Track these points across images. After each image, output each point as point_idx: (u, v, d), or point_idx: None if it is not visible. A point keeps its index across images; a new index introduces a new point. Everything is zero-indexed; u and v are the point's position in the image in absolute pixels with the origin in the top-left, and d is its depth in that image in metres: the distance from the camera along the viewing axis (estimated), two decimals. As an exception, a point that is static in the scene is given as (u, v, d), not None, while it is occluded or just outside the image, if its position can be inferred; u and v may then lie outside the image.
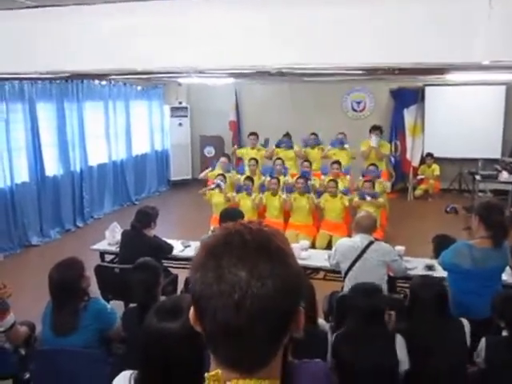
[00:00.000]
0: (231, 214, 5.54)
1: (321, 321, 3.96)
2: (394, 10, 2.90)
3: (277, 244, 1.07)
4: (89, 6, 3.58)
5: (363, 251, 4.90)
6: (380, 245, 5.06)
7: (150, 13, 3.41)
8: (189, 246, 6.19)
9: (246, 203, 8.42)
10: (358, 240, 4.99)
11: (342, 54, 3.02)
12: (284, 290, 1.02)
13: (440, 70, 2.97)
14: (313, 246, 7.54)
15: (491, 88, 11.81)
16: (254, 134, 10.35)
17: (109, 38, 3.59)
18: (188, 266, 3.82)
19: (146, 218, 5.84)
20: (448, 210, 10.68)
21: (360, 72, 3.41)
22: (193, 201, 10.60)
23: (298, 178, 8.56)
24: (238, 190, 8.62)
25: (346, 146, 9.78)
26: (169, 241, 6.08)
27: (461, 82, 11.77)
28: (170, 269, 6.07)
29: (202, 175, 9.70)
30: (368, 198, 8.09)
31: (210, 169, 9.53)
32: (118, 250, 6.01)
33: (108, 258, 6.33)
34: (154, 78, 11.41)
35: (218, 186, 8.42)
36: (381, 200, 8.36)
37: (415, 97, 12.50)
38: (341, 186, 8.60)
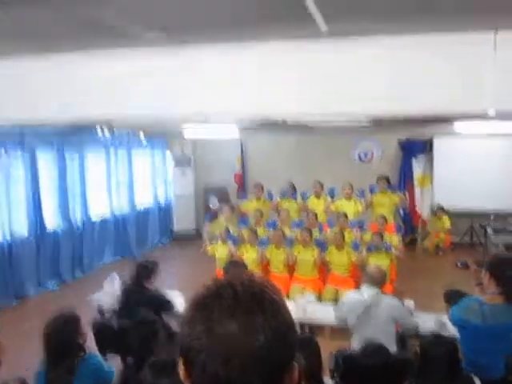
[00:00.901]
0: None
1: (326, 379, 3.74)
2: (403, 59, 2.96)
3: (269, 296, 1.06)
4: (91, 53, 3.60)
5: (370, 305, 4.66)
6: (388, 298, 4.85)
7: (160, 58, 3.47)
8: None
9: (250, 256, 8.10)
10: (366, 293, 4.76)
11: (348, 103, 3.06)
12: (276, 343, 1.00)
13: (446, 119, 2.87)
14: (319, 301, 7.18)
15: (501, 139, 11.62)
16: (259, 185, 10.12)
17: (113, 84, 3.60)
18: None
19: (146, 271, 5.76)
20: (459, 264, 10.34)
21: (365, 123, 3.24)
22: (196, 253, 10.25)
23: (302, 231, 8.24)
24: (234, 241, 8.29)
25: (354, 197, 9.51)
26: (171, 293, 5.97)
27: (469, 133, 11.63)
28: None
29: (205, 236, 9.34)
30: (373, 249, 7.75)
31: (207, 224, 9.28)
32: (117, 302, 5.86)
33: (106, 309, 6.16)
34: (158, 128, 11.35)
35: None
36: (395, 252, 8.01)
37: (423, 147, 12.33)
38: (348, 239, 8.26)
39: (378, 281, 4.88)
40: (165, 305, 5.68)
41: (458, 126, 10.03)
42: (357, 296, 4.83)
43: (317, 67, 3.18)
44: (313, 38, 3.12)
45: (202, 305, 1.03)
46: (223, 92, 3.41)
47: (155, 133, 12.25)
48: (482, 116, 2.79)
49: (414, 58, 2.95)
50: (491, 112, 2.72)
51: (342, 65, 3.12)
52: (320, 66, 3.16)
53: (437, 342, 3.57)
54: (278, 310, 1.04)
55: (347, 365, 3.99)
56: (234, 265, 5.33)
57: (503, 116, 2.75)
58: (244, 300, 1.02)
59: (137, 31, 3.17)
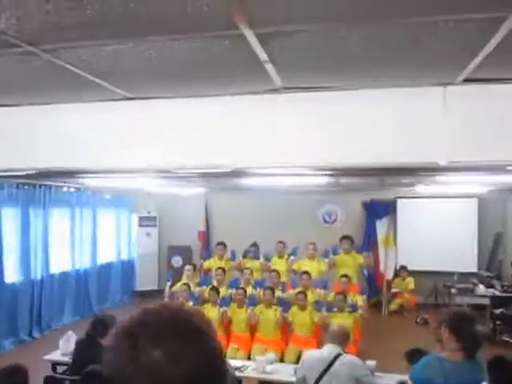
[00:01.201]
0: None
1: None
2: (353, 112, 3.01)
3: (195, 325, 1.04)
4: (56, 106, 3.59)
5: (331, 364, 4.52)
6: (349, 358, 4.71)
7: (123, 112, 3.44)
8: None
9: (211, 316, 7.87)
10: (326, 351, 4.65)
11: (301, 154, 3.09)
12: (201, 372, 0.98)
13: (399, 171, 2.93)
14: (281, 362, 6.99)
15: (463, 200, 11.89)
16: (221, 243, 10.05)
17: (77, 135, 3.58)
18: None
19: (102, 326, 5.52)
20: (418, 321, 10.33)
21: (316, 172, 3.26)
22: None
23: (264, 290, 8.12)
24: (196, 300, 8.07)
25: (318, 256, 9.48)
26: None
27: (432, 195, 11.85)
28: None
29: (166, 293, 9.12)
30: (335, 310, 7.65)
31: (169, 283, 9.06)
32: (71, 359, 5.69)
33: (60, 369, 6.03)
34: (122, 187, 11.24)
35: None
36: (359, 312, 7.90)
37: (387, 209, 12.45)
38: (311, 298, 8.15)
39: (341, 340, 4.78)
40: None
41: (420, 187, 10.23)
42: (317, 354, 4.71)
43: (271, 123, 3.20)
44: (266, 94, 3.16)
45: (128, 333, 1.01)
46: (176, 144, 3.37)
47: (121, 192, 12.17)
48: (434, 168, 2.79)
49: (364, 113, 3.01)
50: (443, 163, 2.74)
51: (293, 119, 3.13)
52: (275, 123, 3.18)
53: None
54: (203, 338, 1.02)
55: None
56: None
57: (456, 168, 2.75)
58: (169, 328, 1.00)
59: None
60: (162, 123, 3.40)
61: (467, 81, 2.83)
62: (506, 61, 2.63)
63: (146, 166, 3.43)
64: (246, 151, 3.19)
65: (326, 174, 3.38)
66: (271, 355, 6.09)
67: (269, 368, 5.54)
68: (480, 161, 2.84)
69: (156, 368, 0.95)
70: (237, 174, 3.48)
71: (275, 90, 3.08)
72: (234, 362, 5.59)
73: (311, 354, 4.80)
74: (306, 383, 4.64)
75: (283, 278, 9.15)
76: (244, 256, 9.75)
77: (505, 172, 3.49)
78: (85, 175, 5.49)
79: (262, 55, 2.54)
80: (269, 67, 2.70)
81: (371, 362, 5.40)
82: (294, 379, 5.03)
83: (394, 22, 2.13)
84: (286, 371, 5.58)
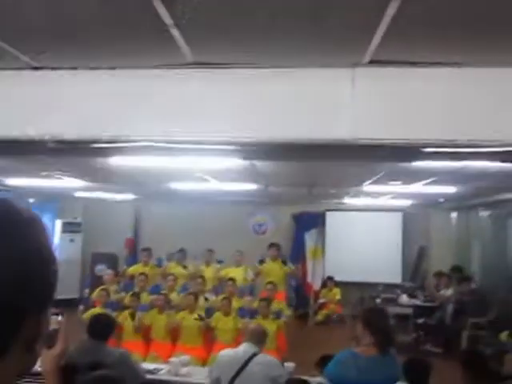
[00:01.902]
0: (101, 320, 5.07)
1: None
2: (259, 87, 2.97)
3: (17, 217, 0.81)
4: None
5: (246, 363, 4.38)
6: (266, 357, 4.60)
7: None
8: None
9: (129, 324, 7.58)
10: (242, 350, 4.53)
11: (207, 126, 3.00)
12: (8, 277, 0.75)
13: (304, 147, 2.87)
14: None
15: (389, 214, 12.18)
16: (147, 249, 9.85)
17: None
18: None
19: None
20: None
21: (220, 147, 3.12)
22: (78, 321, 9.57)
23: (187, 295, 7.92)
24: (112, 307, 7.72)
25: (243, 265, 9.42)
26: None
27: (360, 208, 12.07)
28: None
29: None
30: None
31: (87, 290, 8.73)
32: None
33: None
34: (47, 190, 10.83)
35: None
36: (283, 319, 7.78)
37: (316, 221, 12.61)
38: (235, 305, 8.00)
39: (258, 338, 4.69)
40: None
41: (348, 199, 10.42)
42: (232, 353, 4.58)
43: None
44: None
45: None
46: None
47: (46, 196, 11.76)
48: (340, 144, 2.78)
49: (272, 86, 2.97)
50: (348, 139, 2.79)
51: (204, 93, 3.03)
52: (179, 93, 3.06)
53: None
54: (17, 231, 0.79)
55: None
56: (101, 319, 4.96)
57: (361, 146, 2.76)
58: None
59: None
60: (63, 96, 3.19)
61: (373, 62, 2.85)
62: (402, 43, 2.67)
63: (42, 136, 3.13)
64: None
65: (233, 150, 3.25)
66: (184, 357, 5.86)
67: (183, 370, 5.33)
68: (385, 138, 2.83)
69: None
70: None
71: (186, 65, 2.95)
72: (146, 365, 5.36)
73: (226, 354, 4.65)
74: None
75: (209, 285, 9.02)
76: (168, 259, 9.60)
77: (419, 156, 3.47)
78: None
79: (167, 18, 2.38)
80: (176, 34, 2.55)
81: (290, 364, 5.29)
82: (208, 381, 4.81)
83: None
84: (200, 373, 5.38)
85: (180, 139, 3.00)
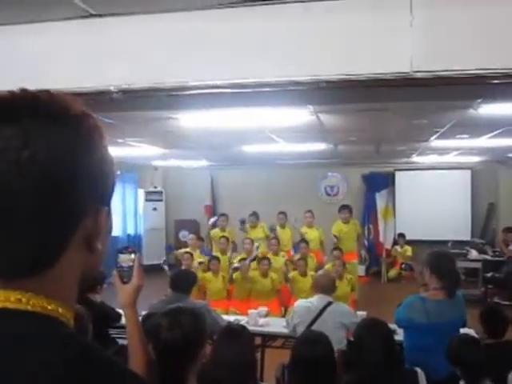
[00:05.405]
0: (183, 276, 5.44)
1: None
2: (312, 24, 2.81)
3: (57, 106, 0.79)
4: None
5: (320, 313, 4.71)
6: (339, 306, 4.89)
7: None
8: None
9: (214, 284, 8.03)
10: (315, 301, 4.83)
11: (292, 66, 2.85)
12: (56, 166, 0.75)
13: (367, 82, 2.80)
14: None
15: (457, 172, 12.22)
16: (224, 215, 10.24)
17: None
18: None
19: (90, 280, 5.14)
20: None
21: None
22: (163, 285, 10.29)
23: (263, 259, 8.09)
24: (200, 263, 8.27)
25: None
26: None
27: (428, 167, 12.17)
28: (119, 339, 5.37)
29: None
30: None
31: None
32: None
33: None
34: (128, 161, 11.39)
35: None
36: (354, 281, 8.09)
37: (386, 181, 12.79)
38: (311, 265, 8.43)
39: (328, 287, 4.92)
40: (111, 316, 5.27)
41: (416, 158, 10.53)
42: (306, 304, 4.90)
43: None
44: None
45: None
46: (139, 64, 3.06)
47: (126, 166, 12.39)
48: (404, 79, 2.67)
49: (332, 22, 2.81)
50: (412, 72, 2.62)
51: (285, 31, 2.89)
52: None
53: (371, 325, 3.50)
54: (63, 119, 0.78)
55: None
56: (183, 275, 5.47)
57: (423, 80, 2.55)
58: (23, 102, 0.76)
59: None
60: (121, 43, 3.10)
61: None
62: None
63: (107, 86, 3.03)
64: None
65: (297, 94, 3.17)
66: (262, 308, 6.25)
67: (261, 321, 5.73)
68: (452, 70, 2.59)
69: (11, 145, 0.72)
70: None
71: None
72: (226, 317, 5.75)
73: (301, 304, 4.97)
74: (296, 333, 4.67)
75: (287, 247, 9.50)
76: (242, 223, 9.98)
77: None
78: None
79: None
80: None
81: (362, 313, 5.56)
82: (286, 331, 5.21)
83: None
84: (278, 324, 5.72)
85: (246, 82, 2.88)
